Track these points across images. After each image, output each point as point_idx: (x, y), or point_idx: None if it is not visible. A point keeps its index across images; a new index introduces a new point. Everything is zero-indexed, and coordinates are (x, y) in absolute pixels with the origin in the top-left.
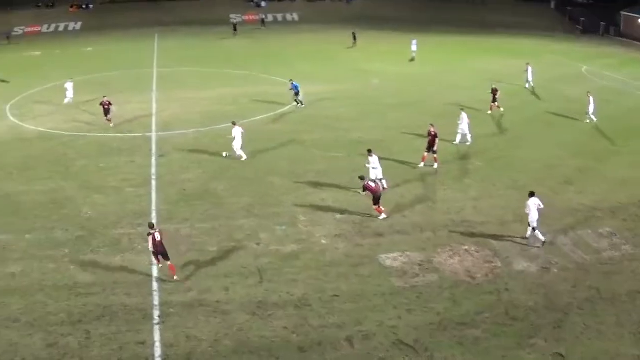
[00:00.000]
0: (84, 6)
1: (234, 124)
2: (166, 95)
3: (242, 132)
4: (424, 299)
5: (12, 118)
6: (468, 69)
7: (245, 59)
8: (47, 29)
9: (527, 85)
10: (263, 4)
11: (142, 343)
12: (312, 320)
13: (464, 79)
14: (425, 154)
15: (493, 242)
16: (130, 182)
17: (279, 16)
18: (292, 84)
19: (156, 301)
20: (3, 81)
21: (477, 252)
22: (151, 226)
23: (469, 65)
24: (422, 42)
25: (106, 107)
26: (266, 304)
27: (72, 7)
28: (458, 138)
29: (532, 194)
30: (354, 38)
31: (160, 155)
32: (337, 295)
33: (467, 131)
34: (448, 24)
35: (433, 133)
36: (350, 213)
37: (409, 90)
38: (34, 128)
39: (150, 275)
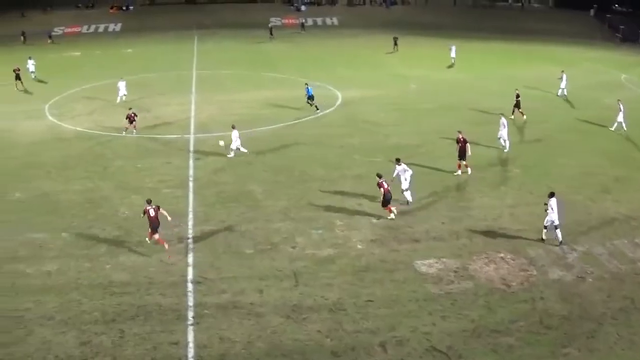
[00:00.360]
0: (124, 7)
1: (233, 127)
2: (205, 98)
3: (238, 136)
4: (459, 305)
5: (51, 117)
6: (506, 75)
7: (284, 62)
8: (87, 29)
9: (559, 93)
10: (303, 7)
11: (176, 343)
12: (346, 325)
13: (502, 85)
14: (459, 161)
15: (529, 250)
16: (167, 183)
17: (319, 20)
18: (307, 88)
19: (191, 302)
20: (40, 81)
21: (513, 259)
22: (149, 202)
23: (507, 72)
24: (462, 49)
25: (132, 118)
26: (300, 308)
27: (112, 8)
28: (505, 144)
29: (552, 194)
30: (395, 43)
31: (197, 157)
32: (371, 301)
33: (505, 137)
34: (487, 31)
35: (462, 139)
36: (387, 218)
37: (448, 95)
38: (73, 128)
39: (185, 276)
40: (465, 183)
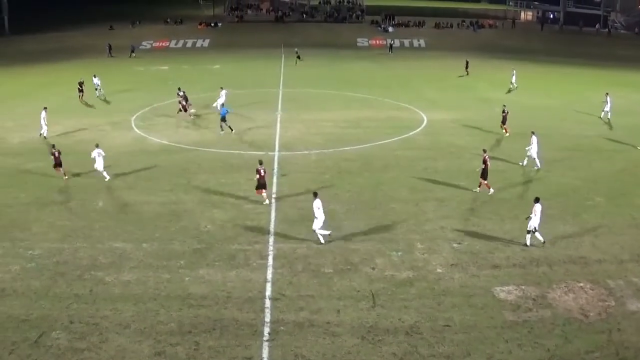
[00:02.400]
0: (212, 24)
1: (97, 146)
2: (290, 116)
3: (102, 155)
4: (535, 334)
5: (137, 130)
6: (592, 101)
7: (370, 83)
8: (175, 44)
9: (602, 115)
10: (390, 29)
11: (250, 358)
12: (421, 349)
13: (587, 111)
14: (485, 181)
15: (608, 280)
16: (250, 199)
17: (406, 42)
18: (223, 108)
19: (267, 318)
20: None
21: (592, 289)
22: (53, 146)
23: (593, 98)
24: (548, 73)
25: (183, 104)
26: (376, 329)
27: (200, 24)
28: (525, 161)
29: (537, 200)
30: (466, 67)
31: (282, 175)
32: (448, 325)
33: (534, 155)
34: (574, 56)
35: (486, 160)
36: (469, 243)
37: (533, 120)
38: (158, 141)
39: (263, 292)
40: (548, 210)
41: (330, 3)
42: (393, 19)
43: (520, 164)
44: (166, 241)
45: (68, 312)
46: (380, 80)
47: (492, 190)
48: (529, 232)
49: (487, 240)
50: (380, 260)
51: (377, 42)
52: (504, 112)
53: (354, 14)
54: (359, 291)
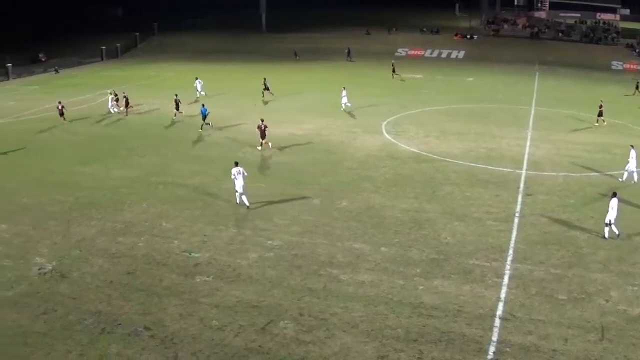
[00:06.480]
0: (468, 36)
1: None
2: (540, 135)
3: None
4: None
5: (387, 135)
6: None
7: (621, 107)
8: (430, 53)
9: None
10: None
11: None
12: None
13: None
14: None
15: None
16: (493, 215)
17: None
18: (202, 108)
19: (494, 337)
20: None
21: None
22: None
23: None
24: None
25: (178, 103)
26: None
27: (456, 35)
28: (625, 175)
29: (614, 194)
30: (637, 87)
31: (527, 194)
32: None
33: (634, 169)
34: None
35: None
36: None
37: None
38: (407, 148)
39: (494, 311)
40: None
41: (586, 23)
42: None
43: (620, 180)
44: (405, 247)
45: (299, 304)
46: (631, 106)
47: None
48: (606, 225)
49: None
50: (615, 292)
51: (632, 66)
52: (600, 107)
53: (609, 36)
54: (589, 322)
